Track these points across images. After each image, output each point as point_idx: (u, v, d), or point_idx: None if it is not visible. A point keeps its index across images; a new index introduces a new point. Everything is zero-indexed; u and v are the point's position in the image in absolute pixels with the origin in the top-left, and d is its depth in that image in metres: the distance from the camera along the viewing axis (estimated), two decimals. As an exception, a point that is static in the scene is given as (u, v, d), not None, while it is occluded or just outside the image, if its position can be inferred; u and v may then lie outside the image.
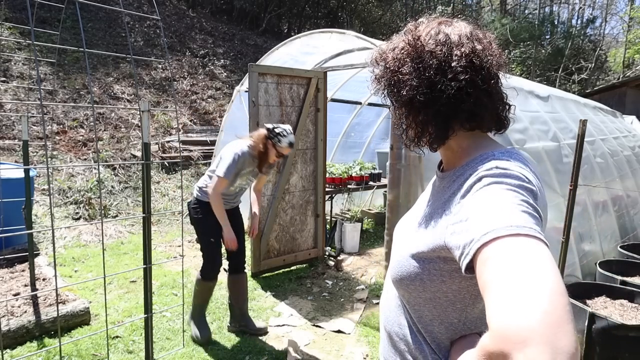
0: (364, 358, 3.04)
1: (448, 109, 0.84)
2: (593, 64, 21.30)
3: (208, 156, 7.53)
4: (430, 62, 0.84)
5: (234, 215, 3.10)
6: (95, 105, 7.75)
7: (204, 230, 2.99)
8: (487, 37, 0.89)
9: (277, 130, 2.79)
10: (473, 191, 0.75)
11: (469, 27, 0.89)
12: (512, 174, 0.73)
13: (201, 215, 2.95)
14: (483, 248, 0.64)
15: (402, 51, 0.88)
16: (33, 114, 6.89)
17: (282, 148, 2.82)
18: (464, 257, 0.69)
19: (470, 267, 0.68)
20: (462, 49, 0.84)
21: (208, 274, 3.02)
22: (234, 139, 3.01)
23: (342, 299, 3.95)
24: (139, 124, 7.74)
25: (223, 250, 3.06)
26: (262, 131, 2.82)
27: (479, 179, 0.75)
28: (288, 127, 2.89)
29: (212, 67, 11.17)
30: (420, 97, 0.85)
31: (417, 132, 0.90)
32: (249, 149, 2.84)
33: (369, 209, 6.76)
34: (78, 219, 5.66)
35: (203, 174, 7.54)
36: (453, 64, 0.82)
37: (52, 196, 5.83)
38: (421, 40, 0.86)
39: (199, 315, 3.16)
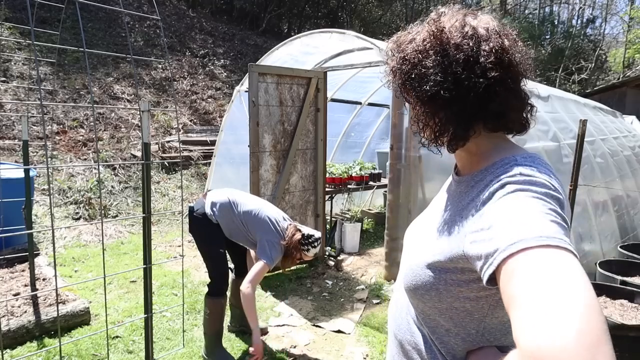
0: (364, 358, 3.04)
1: (473, 108, 0.78)
2: (593, 64, 21.31)
3: (208, 156, 7.53)
4: (457, 56, 0.77)
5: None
6: (95, 105, 7.75)
7: (213, 241, 2.84)
8: (512, 33, 0.84)
9: (310, 240, 2.83)
10: (495, 198, 0.70)
11: (495, 20, 0.83)
12: (538, 181, 0.70)
13: (210, 227, 2.84)
14: (509, 259, 0.60)
15: (425, 43, 0.81)
16: (33, 114, 6.89)
17: (307, 256, 2.88)
18: (487, 267, 0.65)
19: (493, 278, 0.64)
20: (491, 44, 0.78)
21: (221, 288, 2.86)
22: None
23: (342, 299, 3.95)
24: (139, 124, 7.74)
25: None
26: (298, 236, 2.82)
27: (502, 186, 0.71)
28: (319, 236, 2.88)
29: (212, 67, 11.17)
30: (445, 93, 0.78)
31: (436, 131, 0.84)
32: (280, 243, 2.83)
33: (369, 209, 6.76)
34: (78, 219, 5.66)
35: (203, 174, 7.54)
36: (481, 60, 0.76)
37: (52, 196, 5.83)
38: (446, 32, 0.80)
39: (217, 346, 2.88)
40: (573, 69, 20.63)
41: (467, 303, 0.79)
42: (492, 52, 0.77)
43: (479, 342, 0.82)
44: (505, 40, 0.80)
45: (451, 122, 0.81)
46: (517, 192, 0.68)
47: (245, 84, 5.02)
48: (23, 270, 3.66)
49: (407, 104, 0.89)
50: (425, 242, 0.88)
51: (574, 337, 0.48)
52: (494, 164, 0.79)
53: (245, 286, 2.68)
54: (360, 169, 5.51)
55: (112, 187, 6.48)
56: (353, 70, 5.23)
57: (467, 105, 0.78)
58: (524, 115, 0.85)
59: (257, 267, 2.72)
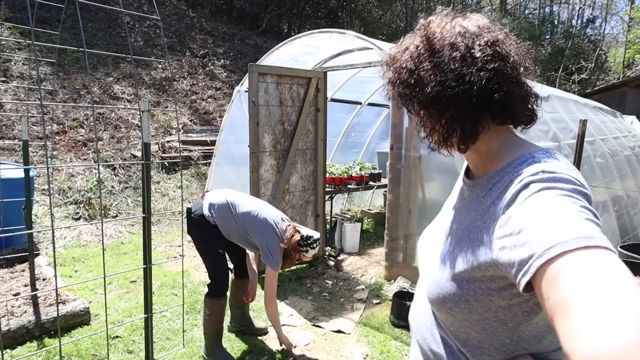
0: (364, 358, 3.04)
1: (478, 102, 0.77)
2: (593, 64, 21.33)
3: (208, 156, 7.53)
4: (454, 54, 0.77)
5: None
6: (95, 105, 7.76)
7: (212, 242, 2.83)
8: (504, 29, 0.84)
9: (309, 241, 2.83)
10: (520, 200, 0.67)
11: (485, 18, 0.83)
12: (563, 177, 0.67)
13: (209, 228, 2.83)
14: (549, 264, 0.57)
15: (419, 49, 0.81)
16: (33, 114, 6.89)
17: (306, 257, 2.88)
18: (522, 275, 0.62)
19: (529, 284, 0.62)
20: (485, 38, 0.78)
21: (221, 289, 2.85)
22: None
23: (342, 299, 3.95)
24: (139, 124, 7.74)
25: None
26: (297, 237, 2.81)
27: (526, 186, 0.68)
28: (317, 237, 2.88)
29: (212, 67, 11.17)
30: (449, 91, 0.77)
31: (444, 133, 0.82)
32: (279, 245, 2.83)
33: (369, 209, 6.76)
34: (78, 219, 5.66)
35: (203, 174, 7.54)
36: (477, 55, 0.76)
37: (52, 196, 5.83)
38: (438, 34, 0.80)
39: (217, 346, 2.89)
40: (573, 69, 20.63)
41: (500, 312, 0.76)
42: (488, 45, 0.78)
43: (514, 350, 0.78)
44: (499, 33, 0.81)
45: (458, 121, 0.80)
46: (543, 191, 0.65)
47: (245, 84, 5.02)
48: (23, 270, 3.66)
49: (408, 111, 0.89)
50: (444, 252, 0.86)
51: (636, 340, 0.47)
52: (510, 163, 0.77)
53: (268, 305, 2.85)
54: (360, 169, 5.52)
55: (112, 187, 6.49)
56: (353, 70, 5.23)
57: (472, 100, 0.77)
58: (529, 106, 0.84)
59: (268, 279, 2.80)
